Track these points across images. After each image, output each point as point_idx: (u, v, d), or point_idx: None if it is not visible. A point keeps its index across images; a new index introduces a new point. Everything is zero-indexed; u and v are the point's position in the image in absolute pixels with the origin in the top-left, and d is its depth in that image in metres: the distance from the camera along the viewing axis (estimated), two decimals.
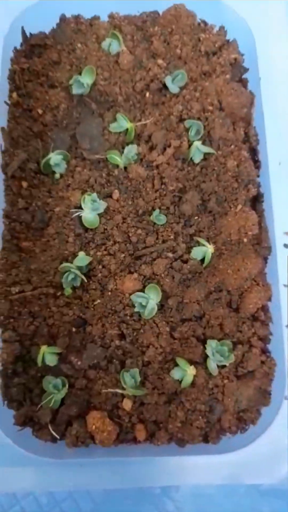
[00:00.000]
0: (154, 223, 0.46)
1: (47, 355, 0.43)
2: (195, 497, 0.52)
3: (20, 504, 0.51)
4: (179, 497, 0.52)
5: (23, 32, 0.51)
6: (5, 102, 0.49)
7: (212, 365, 0.44)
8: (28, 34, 0.51)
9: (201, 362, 0.44)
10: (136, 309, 0.44)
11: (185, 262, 0.46)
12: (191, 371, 0.43)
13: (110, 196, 0.47)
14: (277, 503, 0.51)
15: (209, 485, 0.48)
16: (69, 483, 0.40)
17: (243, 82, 0.51)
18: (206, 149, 0.47)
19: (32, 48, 0.51)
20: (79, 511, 0.50)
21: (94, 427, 0.42)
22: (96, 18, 0.52)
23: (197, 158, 0.48)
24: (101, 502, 0.50)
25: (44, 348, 0.43)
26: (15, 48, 0.50)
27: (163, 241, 0.46)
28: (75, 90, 0.48)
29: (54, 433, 0.42)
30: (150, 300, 0.44)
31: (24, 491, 0.50)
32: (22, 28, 0.50)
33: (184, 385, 0.43)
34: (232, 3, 0.50)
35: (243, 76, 0.51)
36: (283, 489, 0.51)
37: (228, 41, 0.51)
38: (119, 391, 0.43)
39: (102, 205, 0.46)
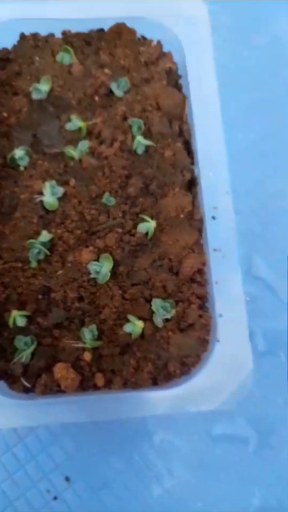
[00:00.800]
0: (105, 204, 0.54)
1: (17, 317, 0.51)
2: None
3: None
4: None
5: None
6: None
7: (157, 319, 0.52)
8: None
9: (148, 318, 0.52)
10: (92, 276, 0.52)
11: (133, 235, 0.54)
12: (140, 325, 0.51)
13: (67, 183, 0.55)
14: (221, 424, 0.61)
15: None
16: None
17: (177, 87, 0.60)
18: (147, 142, 0.56)
19: None
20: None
21: (60, 375, 0.50)
22: (51, 35, 0.60)
23: (140, 150, 0.56)
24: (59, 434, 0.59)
25: (14, 312, 0.51)
26: None
27: (113, 219, 0.54)
28: (35, 96, 0.56)
29: (25, 383, 0.50)
30: (104, 268, 0.52)
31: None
32: None
33: (135, 337, 0.51)
34: (167, 23, 0.59)
35: (177, 82, 0.61)
36: (224, 411, 0.59)
37: (164, 53, 0.61)
38: (80, 345, 0.51)
39: (60, 190, 0.54)
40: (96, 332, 0.51)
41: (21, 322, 0.51)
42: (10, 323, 0.51)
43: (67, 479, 0.59)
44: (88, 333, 0.51)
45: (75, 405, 0.49)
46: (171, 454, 0.61)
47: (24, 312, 0.51)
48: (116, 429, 0.60)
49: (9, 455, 0.59)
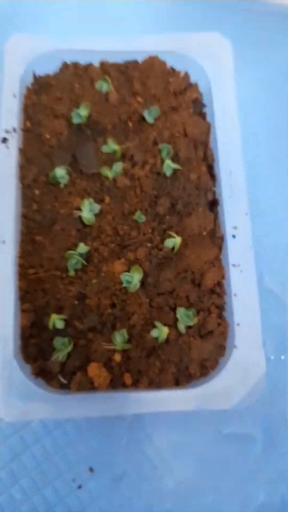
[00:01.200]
0: (136, 221, 0.60)
1: (56, 321, 0.57)
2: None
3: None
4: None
5: (34, 75, 0.65)
6: (21, 129, 0.63)
7: (181, 326, 0.58)
8: (37, 76, 0.66)
9: (172, 324, 0.58)
10: (123, 285, 0.58)
11: (160, 250, 0.60)
12: (165, 330, 0.57)
13: (103, 201, 0.61)
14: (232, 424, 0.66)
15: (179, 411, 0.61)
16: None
17: (202, 115, 0.66)
18: (175, 166, 0.62)
19: (40, 87, 0.65)
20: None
21: (93, 374, 0.55)
22: (90, 64, 0.66)
23: (168, 173, 0.62)
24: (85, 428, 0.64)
25: (54, 316, 0.57)
26: (27, 87, 0.65)
27: (143, 234, 0.60)
28: (75, 120, 0.62)
29: (62, 380, 0.56)
30: (134, 278, 0.58)
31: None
32: (33, 72, 0.65)
33: (160, 342, 0.57)
34: (195, 56, 0.65)
35: (202, 110, 0.67)
36: (235, 411, 0.65)
37: (190, 84, 0.67)
38: (111, 347, 0.57)
39: (97, 207, 0.60)
40: (126, 336, 0.57)
41: (59, 325, 0.56)
42: (50, 325, 0.56)
43: (91, 469, 0.64)
44: (119, 337, 0.56)
45: (101, 401, 0.55)
46: (185, 449, 0.66)
47: (62, 316, 0.57)
48: (136, 425, 0.66)
49: (38, 446, 0.64)
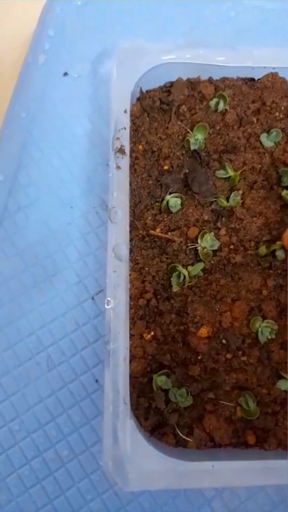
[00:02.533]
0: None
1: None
2: None
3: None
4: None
5: (141, 90, 0.59)
6: (131, 148, 0.56)
7: None
8: (145, 91, 0.59)
9: None
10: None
11: None
12: None
13: (218, 232, 0.55)
14: None
15: None
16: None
17: None
18: None
19: (149, 103, 0.59)
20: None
21: (211, 427, 0.49)
22: (202, 80, 0.60)
23: None
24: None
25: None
26: (133, 104, 0.59)
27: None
28: (193, 147, 0.56)
29: (182, 435, 0.49)
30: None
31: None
32: (140, 88, 0.59)
33: None
34: None
35: None
36: None
37: None
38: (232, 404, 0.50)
39: (217, 243, 0.53)
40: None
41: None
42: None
43: None
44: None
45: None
46: None
47: None
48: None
49: None
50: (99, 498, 0.55)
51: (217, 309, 0.53)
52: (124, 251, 0.50)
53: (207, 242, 0.53)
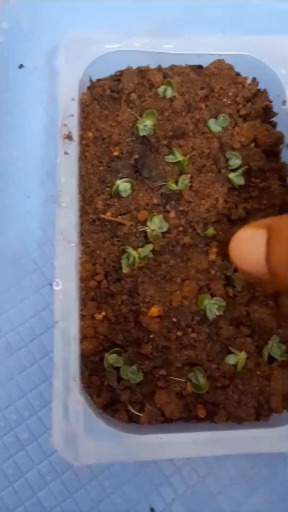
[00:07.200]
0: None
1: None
2: None
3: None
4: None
5: (90, 79, 0.60)
6: (80, 136, 0.58)
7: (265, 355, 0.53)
8: (95, 80, 0.61)
9: (251, 352, 0.53)
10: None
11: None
12: (243, 357, 0.52)
13: (167, 215, 0.56)
14: None
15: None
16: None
17: (273, 124, 0.62)
18: (244, 176, 0.58)
19: (99, 91, 0.60)
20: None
21: (162, 402, 0.50)
22: (151, 68, 0.62)
23: (237, 184, 0.57)
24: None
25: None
26: (83, 92, 0.60)
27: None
28: (142, 133, 0.57)
29: (133, 411, 0.50)
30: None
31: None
32: (90, 76, 0.60)
33: (239, 369, 0.52)
34: (265, 60, 0.60)
35: (273, 119, 0.62)
36: None
37: (260, 90, 0.62)
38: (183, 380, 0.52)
39: (165, 225, 0.55)
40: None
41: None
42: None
43: (152, 510, 0.58)
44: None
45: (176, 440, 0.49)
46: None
47: None
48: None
49: (94, 483, 0.59)
50: (59, 478, 0.57)
51: (167, 289, 0.54)
52: (73, 234, 0.51)
53: (156, 224, 0.54)
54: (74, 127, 0.55)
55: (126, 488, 0.58)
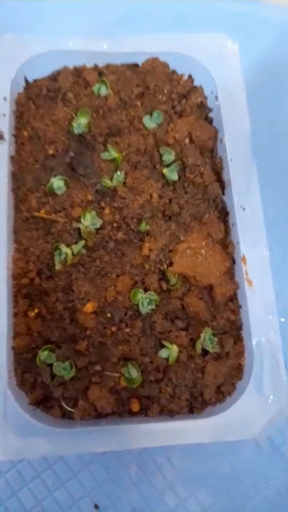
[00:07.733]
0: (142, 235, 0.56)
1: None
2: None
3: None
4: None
5: (26, 79, 0.61)
6: (13, 135, 0.58)
7: (198, 347, 0.53)
8: (30, 80, 0.61)
9: (185, 345, 0.53)
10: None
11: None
12: (175, 349, 0.52)
13: (102, 212, 0.57)
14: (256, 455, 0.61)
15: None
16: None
17: (208, 120, 0.62)
18: (178, 172, 0.58)
19: (34, 91, 0.60)
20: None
21: (94, 397, 0.50)
22: (86, 67, 0.62)
23: (172, 179, 0.58)
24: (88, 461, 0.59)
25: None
26: (19, 92, 0.60)
27: (150, 250, 0.56)
28: (76, 131, 0.58)
29: (66, 406, 0.50)
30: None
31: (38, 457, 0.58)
32: (25, 76, 0.60)
33: (171, 363, 0.52)
34: (199, 58, 0.61)
35: (208, 115, 0.63)
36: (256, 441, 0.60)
37: (195, 87, 0.63)
38: (117, 374, 0.52)
39: (99, 221, 0.55)
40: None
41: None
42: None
43: (96, 506, 0.58)
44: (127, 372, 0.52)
45: (108, 434, 0.49)
46: (199, 482, 0.60)
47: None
48: (145, 457, 0.60)
49: (37, 482, 0.58)
50: (2, 477, 0.57)
51: (102, 285, 0.54)
52: (2, 232, 0.52)
53: (88, 221, 0.54)
54: (5, 127, 0.55)
55: (44, 476, 0.58)
